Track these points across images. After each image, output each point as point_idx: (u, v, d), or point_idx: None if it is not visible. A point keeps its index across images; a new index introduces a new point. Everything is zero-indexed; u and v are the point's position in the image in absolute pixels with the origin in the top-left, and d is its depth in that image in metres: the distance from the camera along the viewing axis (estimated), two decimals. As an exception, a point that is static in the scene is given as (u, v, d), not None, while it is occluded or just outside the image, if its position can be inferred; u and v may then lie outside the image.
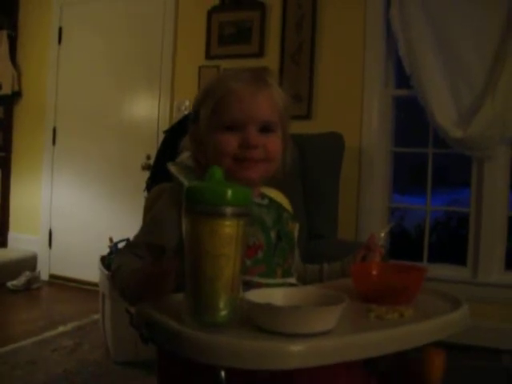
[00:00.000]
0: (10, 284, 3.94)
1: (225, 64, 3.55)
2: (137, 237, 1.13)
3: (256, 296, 0.85)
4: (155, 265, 0.89)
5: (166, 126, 3.61)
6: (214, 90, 1.15)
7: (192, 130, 1.21)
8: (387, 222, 3.41)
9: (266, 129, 1.14)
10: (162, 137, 2.99)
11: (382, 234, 1.28)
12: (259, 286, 1.09)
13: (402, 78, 3.28)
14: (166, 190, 1.18)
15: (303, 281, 1.27)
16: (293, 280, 1.20)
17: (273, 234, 1.17)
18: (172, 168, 1.18)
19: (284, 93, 1.18)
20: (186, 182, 1.11)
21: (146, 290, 0.93)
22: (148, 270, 0.91)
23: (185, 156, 1.25)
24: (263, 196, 1.23)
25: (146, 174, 2.99)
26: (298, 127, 3.02)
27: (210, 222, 0.81)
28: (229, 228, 0.81)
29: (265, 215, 1.18)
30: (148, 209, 1.22)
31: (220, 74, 1.23)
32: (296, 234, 1.27)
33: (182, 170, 1.17)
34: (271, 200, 1.25)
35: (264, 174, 1.17)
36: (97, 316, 3.13)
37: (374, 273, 1.14)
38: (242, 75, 1.14)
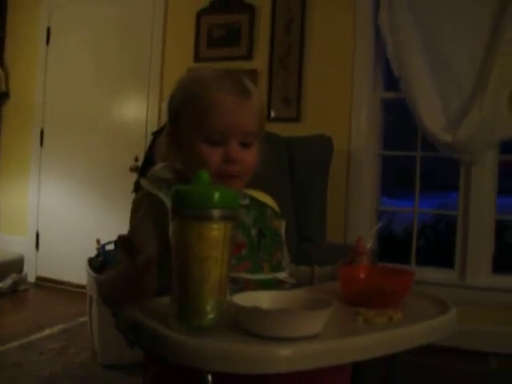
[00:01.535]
0: (-4, 286, 3.91)
1: (214, 66, 3.54)
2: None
3: (243, 299, 0.84)
4: (133, 266, 0.88)
5: (154, 127, 3.60)
6: (197, 98, 1.15)
7: (171, 131, 1.21)
8: (375, 224, 3.42)
9: (245, 143, 1.16)
10: (150, 138, 2.98)
11: (369, 242, 1.28)
12: (247, 282, 1.09)
13: (391, 80, 3.29)
14: (144, 201, 1.17)
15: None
16: (283, 275, 1.19)
17: (253, 232, 1.18)
18: (144, 183, 1.17)
19: (260, 94, 1.21)
20: (159, 193, 1.10)
21: (127, 292, 0.92)
22: (126, 270, 0.90)
23: (158, 167, 1.24)
24: (245, 196, 1.24)
25: (134, 176, 2.98)
26: (287, 130, 3.07)
27: (197, 225, 0.80)
28: (216, 231, 0.81)
29: (244, 215, 1.19)
30: (135, 211, 1.21)
31: (197, 75, 1.22)
32: (283, 231, 1.27)
33: (153, 183, 1.16)
34: (252, 199, 1.25)
35: (242, 187, 1.20)
36: (84, 318, 3.11)
37: (362, 276, 1.14)
38: (224, 84, 1.14)
